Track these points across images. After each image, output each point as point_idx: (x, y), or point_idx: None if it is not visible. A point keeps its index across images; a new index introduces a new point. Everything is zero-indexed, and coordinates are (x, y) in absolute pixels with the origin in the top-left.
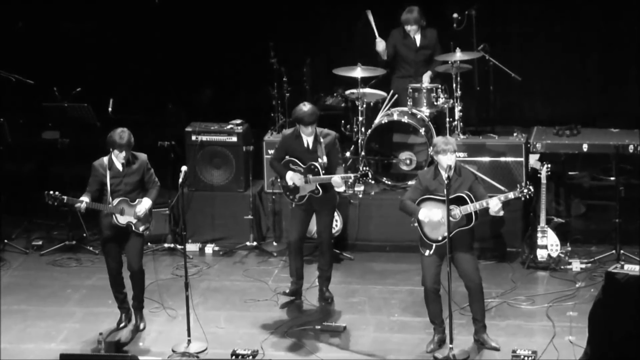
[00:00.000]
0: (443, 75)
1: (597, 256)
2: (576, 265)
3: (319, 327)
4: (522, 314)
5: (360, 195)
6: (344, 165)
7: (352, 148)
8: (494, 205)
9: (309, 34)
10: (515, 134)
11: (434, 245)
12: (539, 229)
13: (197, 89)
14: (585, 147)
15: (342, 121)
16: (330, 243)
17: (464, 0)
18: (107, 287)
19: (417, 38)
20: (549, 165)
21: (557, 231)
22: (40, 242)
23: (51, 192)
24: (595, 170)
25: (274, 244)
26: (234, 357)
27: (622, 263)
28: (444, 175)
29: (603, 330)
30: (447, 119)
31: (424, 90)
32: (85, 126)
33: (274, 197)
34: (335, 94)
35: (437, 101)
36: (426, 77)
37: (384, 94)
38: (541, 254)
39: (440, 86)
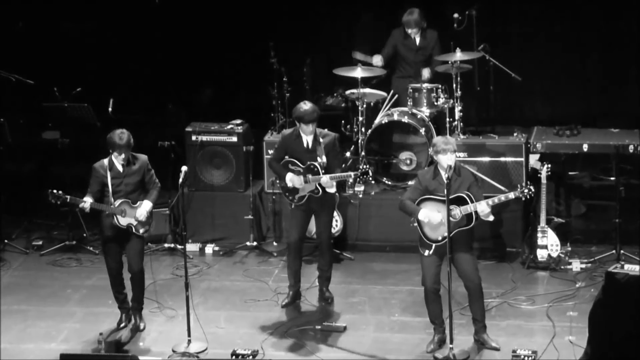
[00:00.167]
0: (443, 75)
1: (597, 256)
2: (576, 265)
3: (319, 327)
4: (522, 314)
5: (360, 195)
6: (343, 166)
7: (352, 148)
8: (482, 209)
9: (309, 34)
10: (515, 134)
11: (434, 245)
12: (539, 229)
13: (197, 89)
14: (585, 147)
15: (342, 121)
16: (329, 243)
17: (464, 1)
18: (107, 287)
19: (417, 39)
20: (549, 165)
21: (557, 231)
22: (40, 242)
23: (54, 191)
24: (596, 170)
25: (274, 244)
26: (234, 357)
27: (622, 263)
28: (444, 175)
29: (603, 330)
30: (447, 119)
31: (424, 90)
32: (86, 126)
33: (274, 197)
34: (335, 94)
35: (437, 101)
36: (426, 71)
37: (384, 94)
38: (541, 254)
39: (440, 86)
